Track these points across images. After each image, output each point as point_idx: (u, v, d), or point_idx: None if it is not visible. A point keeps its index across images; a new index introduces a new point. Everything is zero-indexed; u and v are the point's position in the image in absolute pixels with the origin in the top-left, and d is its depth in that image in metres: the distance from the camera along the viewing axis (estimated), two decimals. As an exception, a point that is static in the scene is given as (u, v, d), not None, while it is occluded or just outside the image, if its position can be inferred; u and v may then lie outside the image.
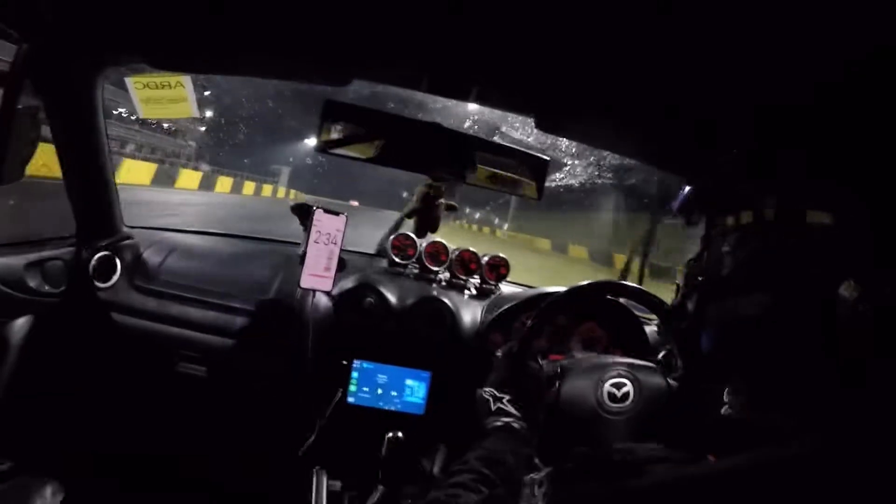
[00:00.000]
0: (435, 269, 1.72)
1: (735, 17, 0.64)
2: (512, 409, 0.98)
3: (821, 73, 0.67)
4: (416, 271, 1.72)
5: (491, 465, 0.83)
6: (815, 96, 0.67)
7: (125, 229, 1.57)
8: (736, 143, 0.74)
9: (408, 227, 1.74)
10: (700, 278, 0.64)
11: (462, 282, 1.72)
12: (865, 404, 0.50)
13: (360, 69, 1.07)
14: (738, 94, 0.81)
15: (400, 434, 1.37)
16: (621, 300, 1.52)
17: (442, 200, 1.28)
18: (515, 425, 0.95)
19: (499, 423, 0.96)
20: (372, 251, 1.91)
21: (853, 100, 0.62)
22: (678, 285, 0.69)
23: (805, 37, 0.63)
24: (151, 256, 1.56)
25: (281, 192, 32.50)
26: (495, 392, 1.02)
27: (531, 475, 0.67)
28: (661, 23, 0.69)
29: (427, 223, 1.34)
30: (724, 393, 0.62)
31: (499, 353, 1.13)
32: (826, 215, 0.54)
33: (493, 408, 1.00)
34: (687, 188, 0.71)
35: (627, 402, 1.02)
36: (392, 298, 1.49)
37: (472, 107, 1.15)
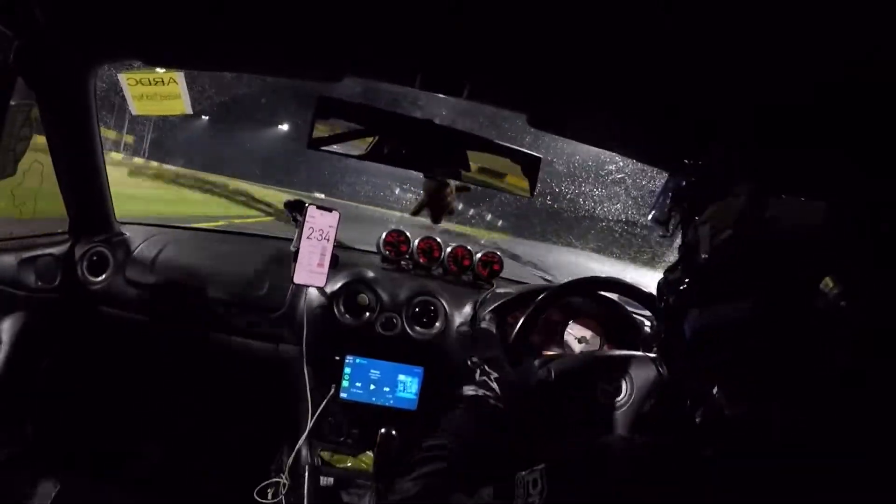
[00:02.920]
0: (428, 265, 1.72)
1: (734, 14, 0.64)
2: (495, 386, 0.98)
3: (821, 73, 0.67)
4: (409, 268, 1.73)
5: (452, 440, 0.86)
6: (815, 96, 0.67)
7: (118, 225, 1.57)
8: (734, 142, 0.74)
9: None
10: (684, 281, 0.63)
11: (455, 278, 1.73)
12: (852, 399, 0.51)
13: (353, 66, 1.07)
14: (738, 93, 0.81)
15: (393, 430, 1.37)
16: (615, 296, 1.53)
17: (453, 183, 1.27)
18: (491, 401, 0.96)
19: (474, 393, 0.97)
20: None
21: (853, 100, 0.62)
22: (660, 287, 0.68)
23: (805, 37, 0.63)
24: (144, 252, 1.56)
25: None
26: (485, 366, 1.02)
27: (523, 473, 0.67)
28: (660, 21, 0.69)
29: (440, 210, 1.33)
30: (713, 388, 0.61)
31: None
32: (812, 214, 0.54)
33: (478, 378, 1.00)
34: (664, 186, 0.71)
35: (621, 396, 1.03)
36: (385, 294, 1.49)
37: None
